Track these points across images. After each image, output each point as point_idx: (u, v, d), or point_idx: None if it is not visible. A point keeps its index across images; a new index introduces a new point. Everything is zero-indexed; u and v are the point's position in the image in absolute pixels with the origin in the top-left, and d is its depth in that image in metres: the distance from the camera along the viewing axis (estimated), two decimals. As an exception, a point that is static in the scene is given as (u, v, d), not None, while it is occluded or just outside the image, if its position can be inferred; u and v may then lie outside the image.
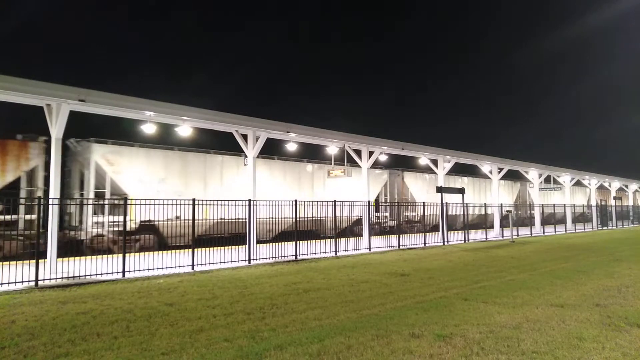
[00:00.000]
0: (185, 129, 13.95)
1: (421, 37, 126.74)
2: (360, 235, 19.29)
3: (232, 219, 15.49)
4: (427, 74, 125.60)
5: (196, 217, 11.87)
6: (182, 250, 13.56)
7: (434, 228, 24.74)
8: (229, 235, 16.32)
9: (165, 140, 17.01)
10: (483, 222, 26.41)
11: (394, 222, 24.77)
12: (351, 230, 22.59)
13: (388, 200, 25.64)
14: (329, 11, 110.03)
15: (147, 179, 16.29)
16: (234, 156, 18.83)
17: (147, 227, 15.66)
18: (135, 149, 16.32)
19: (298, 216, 14.22)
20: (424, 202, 20.67)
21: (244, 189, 15.71)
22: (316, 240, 17.60)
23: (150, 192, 15.88)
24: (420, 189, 27.83)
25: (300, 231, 14.39)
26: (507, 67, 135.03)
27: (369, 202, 17.48)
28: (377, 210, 25.02)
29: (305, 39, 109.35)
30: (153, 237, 16.05)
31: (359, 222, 21.10)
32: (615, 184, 43.60)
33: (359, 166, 19.18)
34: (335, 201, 15.70)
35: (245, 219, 13.68)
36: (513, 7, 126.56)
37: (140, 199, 12.32)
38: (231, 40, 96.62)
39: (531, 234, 26.63)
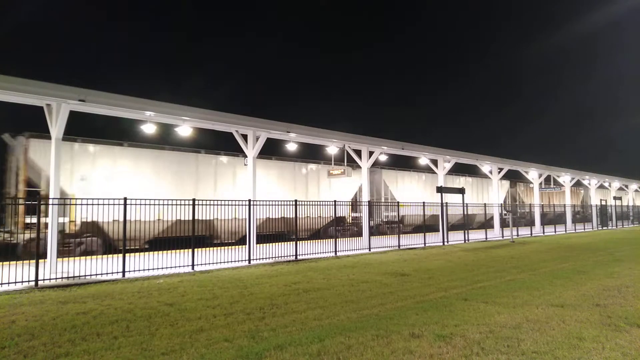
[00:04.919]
0: (185, 129, 13.97)
1: (421, 38, 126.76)
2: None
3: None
4: (427, 75, 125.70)
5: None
6: (182, 250, 13.54)
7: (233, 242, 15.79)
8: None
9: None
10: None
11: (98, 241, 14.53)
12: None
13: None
14: (329, 12, 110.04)
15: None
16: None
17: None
18: None
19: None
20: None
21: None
22: (316, 241, 17.59)
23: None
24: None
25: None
26: (508, 67, 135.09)
27: (369, 202, 17.48)
28: None
29: (306, 39, 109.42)
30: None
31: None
32: (615, 184, 43.59)
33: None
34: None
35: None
36: (513, 8, 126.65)
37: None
38: (231, 41, 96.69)
39: (531, 234, 26.67)
